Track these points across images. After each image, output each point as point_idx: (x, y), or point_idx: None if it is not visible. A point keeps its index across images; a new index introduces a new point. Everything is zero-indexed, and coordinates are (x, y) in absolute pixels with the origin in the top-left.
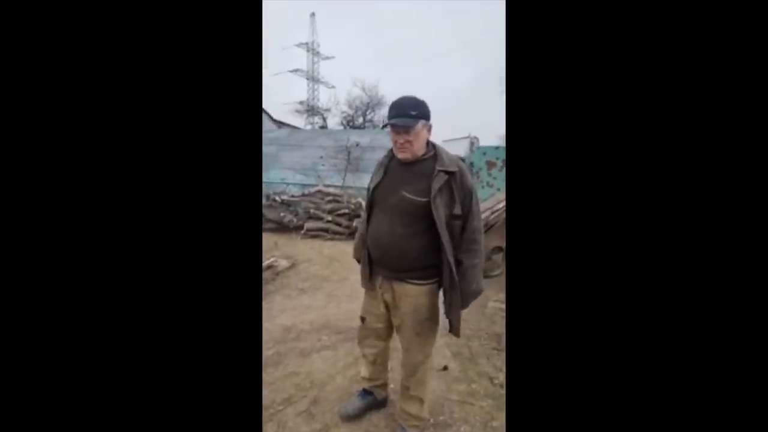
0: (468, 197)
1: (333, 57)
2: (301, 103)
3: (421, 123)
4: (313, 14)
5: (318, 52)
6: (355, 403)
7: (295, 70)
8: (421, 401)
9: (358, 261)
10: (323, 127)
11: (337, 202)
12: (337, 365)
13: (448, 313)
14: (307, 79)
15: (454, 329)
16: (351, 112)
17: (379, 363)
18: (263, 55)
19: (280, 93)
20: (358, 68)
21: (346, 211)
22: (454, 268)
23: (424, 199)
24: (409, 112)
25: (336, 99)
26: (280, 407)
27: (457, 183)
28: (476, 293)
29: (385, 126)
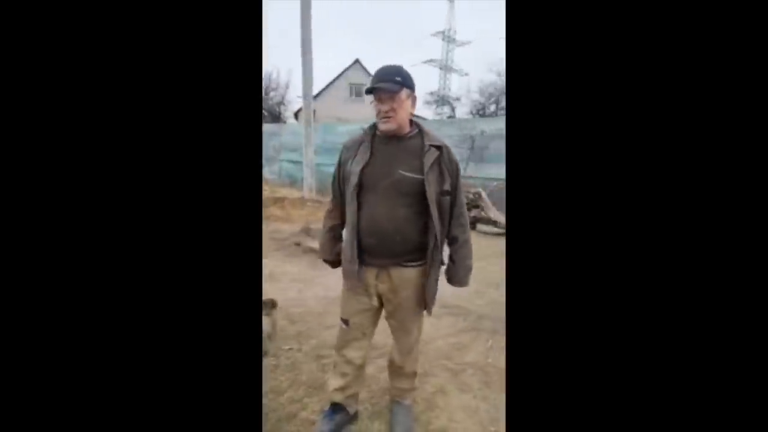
0: (456, 172)
1: (469, 42)
2: (431, 93)
3: (405, 91)
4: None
5: (454, 39)
6: (327, 427)
7: (429, 61)
8: (415, 374)
9: (327, 262)
10: (451, 117)
11: None
12: (439, 332)
13: (426, 293)
14: (440, 68)
15: (428, 308)
16: (483, 99)
17: (360, 367)
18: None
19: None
20: (497, 51)
21: (465, 200)
22: (440, 246)
23: (420, 177)
24: (394, 78)
25: (468, 87)
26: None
27: (445, 159)
28: (470, 268)
29: (370, 92)
